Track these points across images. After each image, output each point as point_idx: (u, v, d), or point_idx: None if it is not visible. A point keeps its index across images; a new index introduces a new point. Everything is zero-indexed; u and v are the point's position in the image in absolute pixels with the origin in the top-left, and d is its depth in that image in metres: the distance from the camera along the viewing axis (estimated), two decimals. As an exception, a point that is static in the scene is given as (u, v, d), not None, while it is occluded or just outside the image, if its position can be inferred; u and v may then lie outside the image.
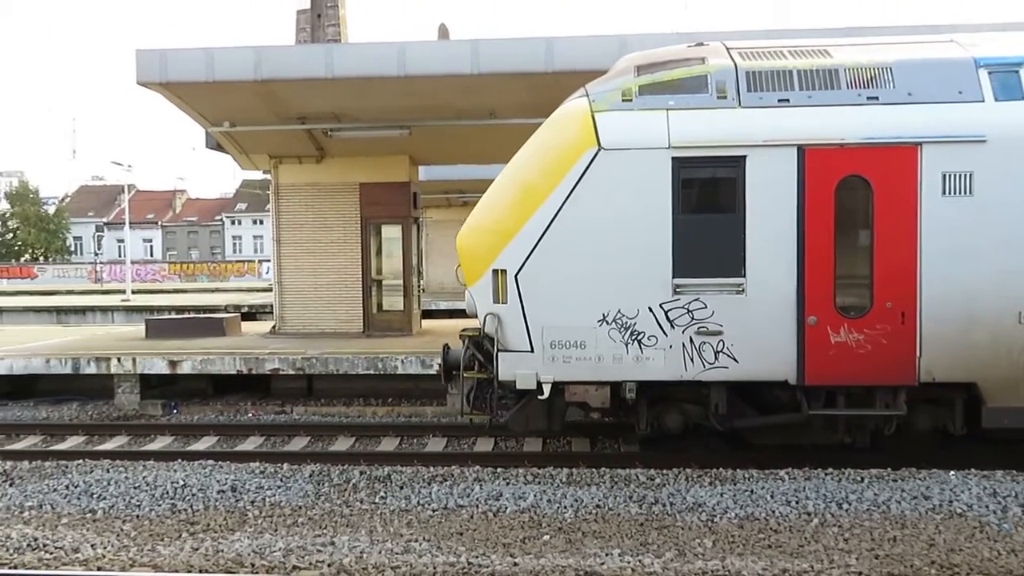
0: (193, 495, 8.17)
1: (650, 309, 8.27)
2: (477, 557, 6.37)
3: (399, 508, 7.79)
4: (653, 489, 7.99)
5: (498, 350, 8.48)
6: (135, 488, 8.33)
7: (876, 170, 8.04)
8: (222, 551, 6.65)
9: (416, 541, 6.81)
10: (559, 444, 10.45)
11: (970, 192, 7.99)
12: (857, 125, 8.08)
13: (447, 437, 10.69)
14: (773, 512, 7.34)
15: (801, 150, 8.09)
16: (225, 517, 7.69)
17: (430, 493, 8.06)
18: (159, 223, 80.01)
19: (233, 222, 79.83)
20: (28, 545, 6.80)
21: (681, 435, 8.99)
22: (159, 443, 10.90)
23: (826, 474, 8.21)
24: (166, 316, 22.37)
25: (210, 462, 9.20)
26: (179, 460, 9.38)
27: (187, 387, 13.66)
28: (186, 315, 21.39)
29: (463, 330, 9.09)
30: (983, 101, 8.09)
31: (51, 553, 6.64)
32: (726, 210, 8.26)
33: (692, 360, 8.26)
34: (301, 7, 15.83)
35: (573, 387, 8.60)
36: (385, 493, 8.17)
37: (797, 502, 7.50)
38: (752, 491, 7.75)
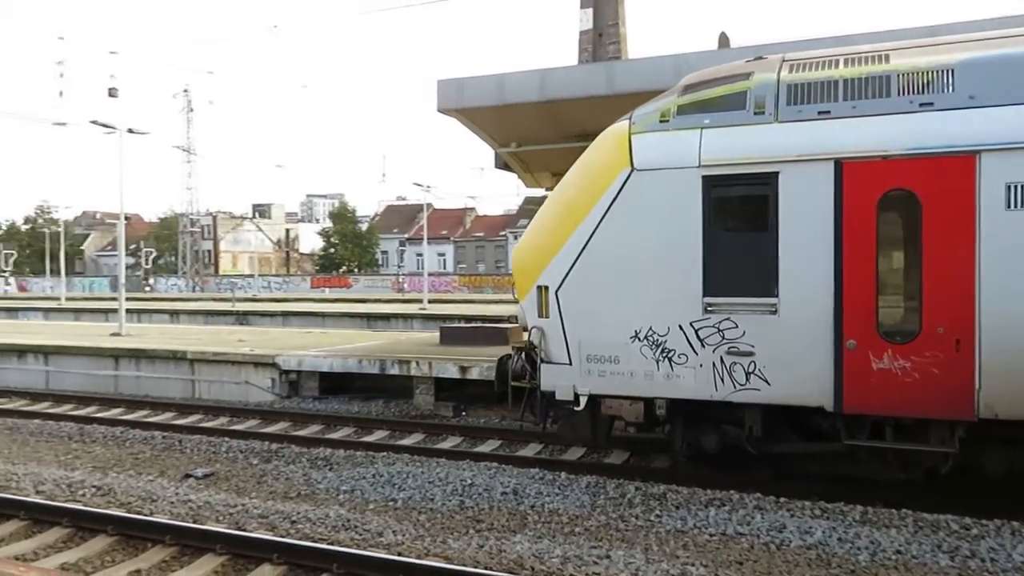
0: (479, 494, 8.68)
1: (680, 327, 8.18)
2: (759, 591, 6.02)
3: (675, 528, 7.63)
4: (969, 540, 6.99)
5: (541, 362, 8.82)
6: (429, 483, 9.06)
7: (925, 183, 7.32)
8: (504, 551, 6.96)
9: (692, 565, 6.61)
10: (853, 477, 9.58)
11: None
12: (903, 135, 7.42)
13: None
14: None
15: (839, 164, 7.58)
16: (507, 518, 8.07)
17: (707, 516, 7.80)
18: (451, 238, 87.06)
19: (516, 237, 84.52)
20: (343, 525, 7.66)
21: (720, 456, 8.72)
22: (449, 442, 11.74)
23: None
24: (457, 325, 24.14)
25: (494, 464, 9.74)
26: (467, 460, 10.04)
27: (475, 392, 14.59)
28: (474, 324, 22.89)
29: (515, 343, 9.29)
30: None
31: (360, 535, 7.41)
32: (758, 228, 7.98)
33: (722, 380, 8.04)
34: (583, 28, 16.31)
35: (609, 400, 8.73)
36: (660, 511, 8.05)
37: None
38: (1103, 555, 6.49)
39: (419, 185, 44.37)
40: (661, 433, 9.24)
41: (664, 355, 8.25)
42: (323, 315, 35.30)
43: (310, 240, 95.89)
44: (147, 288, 70.55)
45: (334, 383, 15.66)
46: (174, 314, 39.03)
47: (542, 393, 8.92)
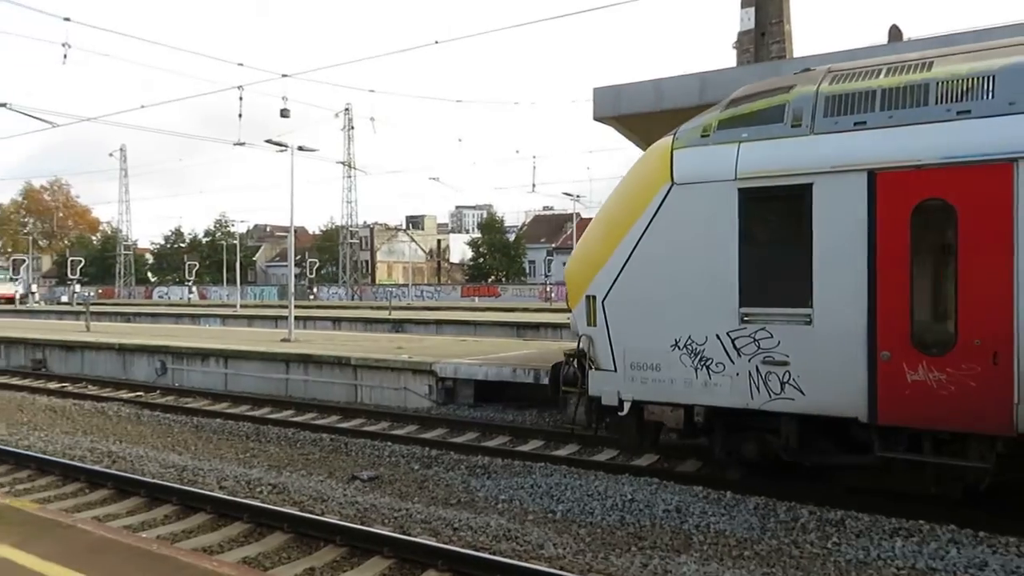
0: (640, 510, 8.44)
1: (718, 336, 8.38)
2: (962, 636, 5.42)
3: (856, 559, 7.07)
4: None
5: (590, 367, 9.23)
6: (588, 496, 8.90)
7: (960, 192, 7.20)
8: (670, 572, 6.70)
9: (881, 601, 6.07)
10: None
11: None
12: (938, 144, 7.30)
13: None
14: None
15: (872, 174, 7.56)
16: (671, 537, 7.77)
17: (893, 547, 7.18)
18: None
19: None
20: (503, 535, 7.64)
21: (759, 465, 8.82)
22: (605, 455, 11.51)
23: None
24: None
25: (655, 480, 9.44)
26: (626, 474, 9.79)
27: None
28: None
29: (567, 350, 9.80)
30: None
31: (521, 546, 7.36)
32: (792, 239, 8.07)
33: (758, 389, 8.18)
34: (744, 28, 15.69)
35: (651, 407, 9.00)
36: (839, 539, 7.49)
37: None
38: None
39: (569, 195, 44.58)
40: (703, 440, 9.37)
41: (702, 363, 8.50)
42: (474, 323, 35.92)
43: (460, 250, 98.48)
44: (311, 296, 74.93)
45: (487, 391, 15.84)
46: (336, 321, 41.10)
47: (590, 398, 9.33)
